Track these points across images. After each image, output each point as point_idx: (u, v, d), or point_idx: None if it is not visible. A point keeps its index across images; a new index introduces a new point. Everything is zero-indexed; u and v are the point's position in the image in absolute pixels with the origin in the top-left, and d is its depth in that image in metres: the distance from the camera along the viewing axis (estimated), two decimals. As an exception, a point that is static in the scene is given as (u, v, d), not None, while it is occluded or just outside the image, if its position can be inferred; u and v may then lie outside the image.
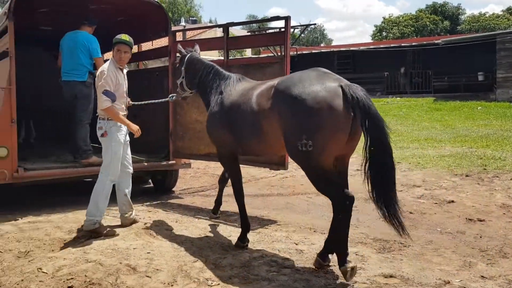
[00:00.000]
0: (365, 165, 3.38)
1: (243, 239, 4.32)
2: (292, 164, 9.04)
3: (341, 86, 3.34)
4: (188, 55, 4.85)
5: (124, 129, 4.71)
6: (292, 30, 21.93)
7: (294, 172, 8.26)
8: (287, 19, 5.08)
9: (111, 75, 4.51)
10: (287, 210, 5.90)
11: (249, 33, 18.24)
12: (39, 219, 5.21)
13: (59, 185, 6.74)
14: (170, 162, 6.26)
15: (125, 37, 4.57)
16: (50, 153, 6.71)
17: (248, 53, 33.92)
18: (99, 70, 4.61)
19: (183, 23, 23.20)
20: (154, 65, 8.66)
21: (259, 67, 5.38)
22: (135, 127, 4.70)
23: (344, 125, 3.30)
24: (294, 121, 3.38)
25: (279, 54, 19.19)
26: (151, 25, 6.64)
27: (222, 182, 5.53)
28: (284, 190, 6.97)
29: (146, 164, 6.14)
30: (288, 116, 3.43)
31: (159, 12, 6.13)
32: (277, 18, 5.21)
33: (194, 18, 39.18)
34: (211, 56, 22.07)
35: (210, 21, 45.29)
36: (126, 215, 4.95)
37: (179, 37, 5.94)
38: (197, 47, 4.99)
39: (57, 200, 6.23)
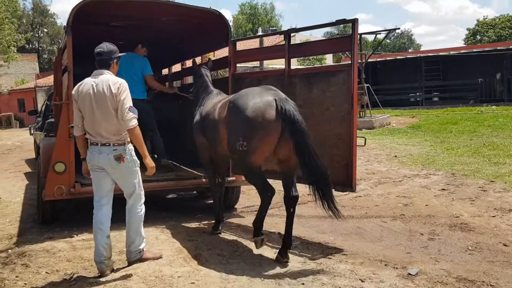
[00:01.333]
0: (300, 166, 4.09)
1: (216, 227, 5.30)
2: (368, 182, 8.38)
3: (275, 100, 4.08)
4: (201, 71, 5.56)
5: None
6: (374, 35, 20.89)
7: (369, 190, 7.52)
8: (354, 22, 4.49)
9: None
10: (357, 236, 5.23)
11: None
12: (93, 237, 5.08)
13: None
14: (230, 178, 5.89)
15: None
16: None
17: (328, 60, 33.11)
18: (117, 81, 3.88)
19: (260, 33, 23.06)
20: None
21: (323, 76, 4.83)
22: (151, 164, 4.04)
23: (274, 131, 4.06)
24: (236, 126, 4.22)
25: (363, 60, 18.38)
26: (212, 35, 6.37)
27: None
28: (355, 212, 6.29)
29: (204, 180, 5.82)
30: (232, 122, 4.29)
31: (220, 21, 5.82)
32: (343, 21, 4.63)
33: (274, 28, 39.13)
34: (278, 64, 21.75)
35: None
36: (105, 262, 4.01)
37: (241, 46, 5.56)
38: (210, 62, 5.82)
39: (119, 216, 6.12)
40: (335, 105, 4.72)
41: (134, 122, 3.84)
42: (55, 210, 5.56)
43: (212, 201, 7.10)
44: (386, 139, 14.03)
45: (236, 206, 6.64)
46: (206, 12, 5.76)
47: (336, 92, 4.69)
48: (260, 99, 4.11)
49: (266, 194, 4.29)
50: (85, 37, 6.63)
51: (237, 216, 6.18)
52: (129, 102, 3.84)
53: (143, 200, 4.20)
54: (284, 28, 47.96)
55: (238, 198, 6.43)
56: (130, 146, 3.99)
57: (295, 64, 26.76)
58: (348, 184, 4.65)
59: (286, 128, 4.03)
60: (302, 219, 5.96)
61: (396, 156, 10.61)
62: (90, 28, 6.29)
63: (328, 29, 57.66)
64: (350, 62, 4.65)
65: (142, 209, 4.19)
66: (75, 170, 5.20)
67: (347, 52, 20.84)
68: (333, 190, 4.18)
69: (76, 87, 3.97)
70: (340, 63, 21.92)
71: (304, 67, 21.89)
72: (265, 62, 21.73)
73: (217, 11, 5.71)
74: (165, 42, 7.18)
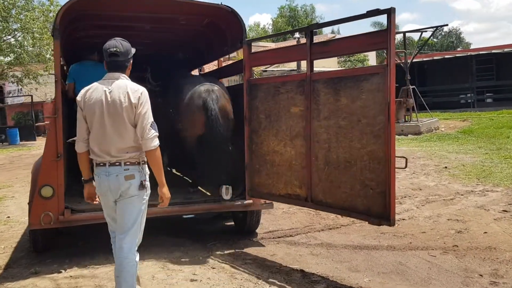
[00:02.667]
0: None
1: None
2: (413, 200, 7.26)
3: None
4: None
5: None
6: (420, 33, 19.46)
7: (415, 211, 6.45)
8: (389, 12, 3.55)
9: None
10: (398, 277, 4.24)
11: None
12: (83, 273, 4.37)
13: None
14: (247, 201, 5.04)
15: None
16: None
17: (371, 61, 31.61)
18: (138, 89, 3.14)
19: (297, 35, 22.10)
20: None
21: (352, 81, 3.90)
22: (168, 195, 3.27)
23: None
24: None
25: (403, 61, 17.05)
26: (225, 35, 5.56)
27: None
28: (397, 241, 5.26)
29: (215, 204, 5.01)
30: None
31: (233, 19, 5.00)
32: (376, 12, 3.69)
33: (315, 30, 37.92)
34: (327, 67, 20.53)
35: (332, 32, 43.73)
36: None
37: (256, 48, 4.72)
38: None
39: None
40: (367, 116, 3.78)
41: (156, 142, 3.11)
42: (47, 238, 4.89)
43: (228, 223, 6.30)
44: (435, 146, 12.75)
45: (257, 231, 5.77)
46: (216, 8, 4.96)
47: (369, 100, 3.76)
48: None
49: None
50: (81, 41, 6.02)
51: (256, 244, 5.31)
52: (151, 117, 3.12)
53: (139, 241, 3.30)
54: (326, 30, 46.54)
55: (258, 222, 5.56)
56: (147, 168, 3.23)
57: (335, 66, 25.58)
58: (384, 217, 3.69)
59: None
60: (332, 249, 5.03)
61: (446, 167, 9.40)
62: (85, 32, 5.68)
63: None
64: (386, 63, 3.72)
65: (137, 256, 3.27)
66: (65, 194, 4.54)
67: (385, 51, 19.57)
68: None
69: (82, 91, 3.23)
70: (373, 65, 20.57)
71: (332, 69, 20.76)
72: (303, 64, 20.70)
73: (229, 7, 4.89)
74: (173, 47, 6.48)
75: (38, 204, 4.42)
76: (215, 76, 6.42)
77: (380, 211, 3.74)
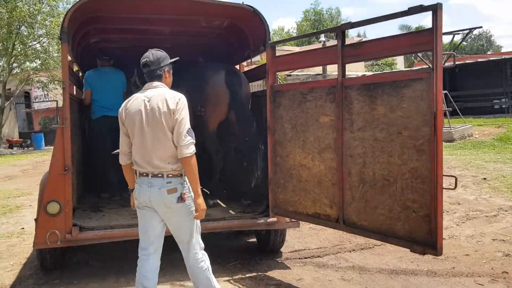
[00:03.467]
0: None
1: None
2: (451, 216, 6.65)
3: None
4: None
5: None
6: (452, 36, 18.67)
7: (455, 229, 5.88)
8: (435, 9, 3.07)
9: None
10: (442, 310, 3.72)
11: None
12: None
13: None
14: (270, 219, 4.59)
15: None
16: None
17: (399, 66, 30.72)
18: (176, 95, 3.08)
19: (322, 39, 21.56)
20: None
21: (391, 87, 3.41)
22: (204, 206, 3.12)
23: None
24: None
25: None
26: (247, 38, 5.13)
27: None
28: (438, 265, 4.71)
29: (236, 222, 4.59)
30: None
31: (255, 20, 4.58)
32: (420, 9, 3.20)
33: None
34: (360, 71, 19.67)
35: (359, 35, 42.81)
36: None
37: (279, 52, 4.30)
38: None
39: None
40: (409, 128, 3.29)
41: (192, 149, 3.04)
42: (55, 256, 4.55)
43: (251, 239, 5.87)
44: (470, 155, 12.02)
45: (281, 249, 5.31)
46: (237, 8, 4.54)
47: (411, 109, 3.27)
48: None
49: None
50: (95, 47, 5.72)
51: (281, 265, 4.84)
52: (188, 124, 3.06)
53: (202, 246, 3.31)
54: (352, 33, 45.58)
55: (283, 241, 5.10)
56: (187, 179, 3.14)
57: (361, 70, 24.85)
58: (429, 244, 3.19)
59: None
60: (365, 274, 4.53)
61: (485, 178, 8.72)
62: (99, 36, 5.37)
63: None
64: (429, 66, 3.23)
65: (206, 259, 3.29)
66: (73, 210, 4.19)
67: (419, 55, 18.81)
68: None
69: (123, 104, 3.20)
70: (416, 69, 19.75)
71: (367, 74, 20.10)
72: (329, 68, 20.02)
73: (251, 6, 4.46)
74: (191, 52, 6.11)
75: (43, 221, 4.08)
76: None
77: (424, 237, 3.23)
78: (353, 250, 5.30)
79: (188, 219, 3.15)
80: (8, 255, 5.39)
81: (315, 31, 45.97)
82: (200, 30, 5.54)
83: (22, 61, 22.33)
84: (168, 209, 3.10)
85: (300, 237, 5.87)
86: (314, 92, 4.01)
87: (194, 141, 3.06)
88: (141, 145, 3.08)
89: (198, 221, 3.24)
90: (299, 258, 5.09)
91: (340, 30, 3.81)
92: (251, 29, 4.98)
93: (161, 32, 5.58)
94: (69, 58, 5.68)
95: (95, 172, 6.03)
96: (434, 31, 3.12)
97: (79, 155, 5.30)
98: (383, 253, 5.17)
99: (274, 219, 4.59)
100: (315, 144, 4.03)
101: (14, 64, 22.31)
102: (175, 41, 5.77)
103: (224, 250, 5.37)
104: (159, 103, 3.02)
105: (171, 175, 3.07)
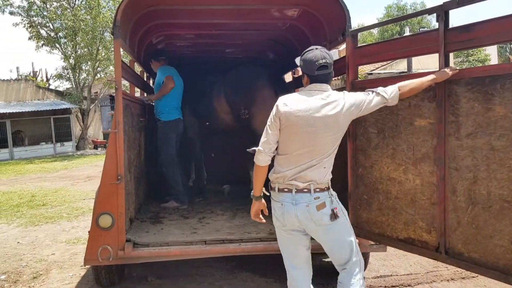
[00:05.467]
0: None
1: None
2: None
3: None
4: None
5: None
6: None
7: None
8: None
9: None
10: None
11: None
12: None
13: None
14: (351, 241, 3.84)
15: None
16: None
17: (493, 61, 27.97)
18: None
19: (407, 34, 20.12)
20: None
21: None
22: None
23: None
24: None
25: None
26: (323, 28, 4.41)
27: None
28: None
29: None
30: None
31: (332, 5, 3.86)
32: None
33: (425, 28, 34.79)
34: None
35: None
36: None
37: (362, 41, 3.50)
38: None
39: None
40: (543, 134, 2.42)
41: None
42: (111, 272, 4.17)
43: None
44: None
45: (364, 275, 4.54)
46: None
47: (547, 109, 2.40)
48: None
49: None
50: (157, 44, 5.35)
51: (363, 294, 4.09)
52: None
53: (363, 266, 3.01)
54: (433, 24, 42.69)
55: (366, 264, 4.34)
56: (333, 191, 2.89)
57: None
58: None
59: None
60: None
61: None
62: (159, 33, 4.96)
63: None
64: None
65: (364, 283, 2.97)
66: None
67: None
68: None
69: (283, 99, 2.79)
70: None
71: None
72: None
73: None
74: (261, 47, 5.53)
75: (95, 236, 3.70)
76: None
77: None
78: (452, 279, 4.41)
79: (347, 234, 2.90)
80: (69, 265, 5.16)
81: (397, 30, 43.46)
82: (271, 21, 4.94)
83: (106, 65, 23.27)
84: (319, 227, 2.80)
85: (386, 258, 5.06)
86: (407, 88, 3.22)
87: None
88: (302, 153, 2.76)
89: (354, 236, 2.96)
90: (386, 287, 4.31)
91: (443, 10, 3.00)
92: (328, 18, 4.28)
93: (228, 26, 5.05)
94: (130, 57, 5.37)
95: (160, 178, 5.67)
96: None
97: (140, 160, 4.92)
98: (488, 285, 4.23)
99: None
100: (409, 154, 3.24)
101: (98, 68, 23.31)
102: (243, 37, 5.26)
103: (261, 265, 4.75)
104: (337, 108, 2.73)
105: (318, 190, 2.78)
